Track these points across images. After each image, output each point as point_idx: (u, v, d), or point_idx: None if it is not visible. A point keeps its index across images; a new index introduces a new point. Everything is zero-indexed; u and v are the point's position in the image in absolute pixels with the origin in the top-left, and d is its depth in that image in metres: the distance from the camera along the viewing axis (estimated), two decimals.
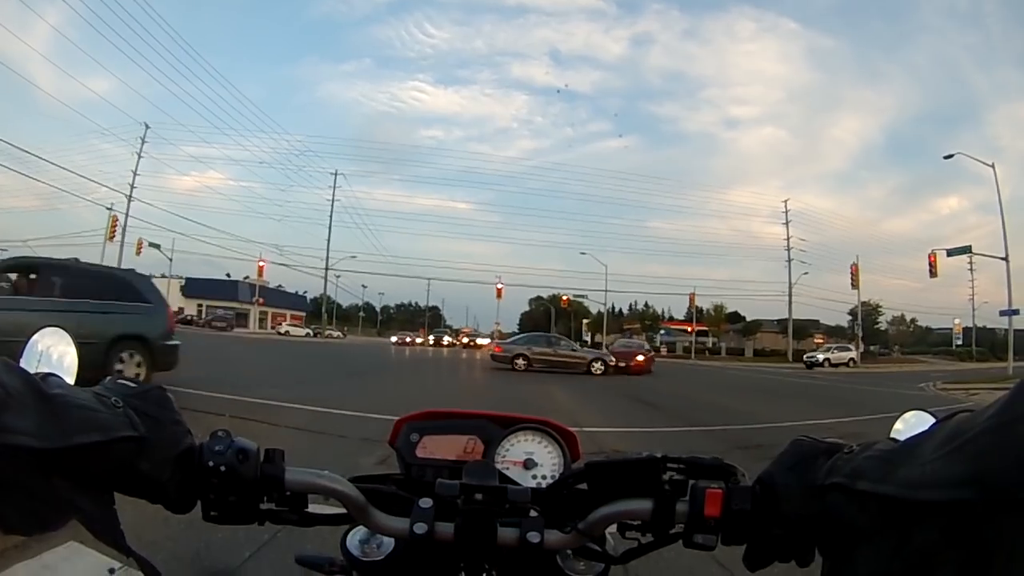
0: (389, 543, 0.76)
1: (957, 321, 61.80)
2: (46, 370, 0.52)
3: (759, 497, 0.56)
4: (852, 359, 42.77)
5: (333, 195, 63.60)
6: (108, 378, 0.57)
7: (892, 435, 0.66)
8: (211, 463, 0.56)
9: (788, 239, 56.73)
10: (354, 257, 67.09)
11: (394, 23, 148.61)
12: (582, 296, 68.08)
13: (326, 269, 62.68)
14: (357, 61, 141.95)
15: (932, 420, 0.65)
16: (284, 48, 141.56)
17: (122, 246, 46.08)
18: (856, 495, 0.46)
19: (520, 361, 20.52)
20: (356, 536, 0.78)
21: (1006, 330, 33.40)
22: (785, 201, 58.44)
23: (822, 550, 0.52)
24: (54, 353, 0.62)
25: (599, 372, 20.46)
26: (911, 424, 0.68)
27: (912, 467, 0.41)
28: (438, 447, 0.88)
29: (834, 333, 63.25)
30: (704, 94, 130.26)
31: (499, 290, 57.84)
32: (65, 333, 0.65)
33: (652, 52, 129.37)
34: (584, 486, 0.65)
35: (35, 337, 0.62)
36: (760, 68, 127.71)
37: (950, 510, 0.38)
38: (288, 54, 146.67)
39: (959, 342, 62.24)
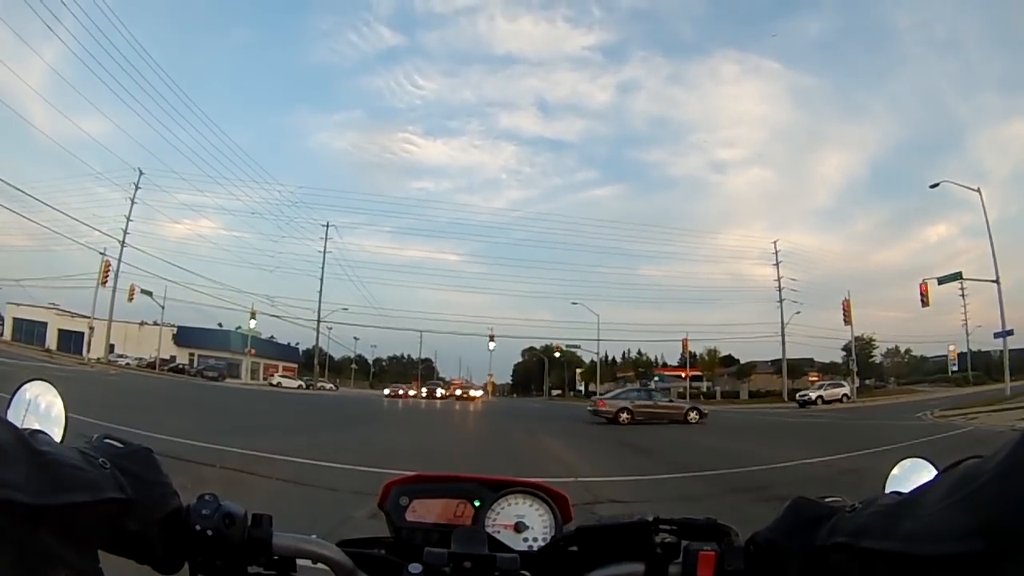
0: None
1: (952, 347, 60.96)
2: (34, 421, 0.52)
3: (753, 557, 0.56)
4: (845, 395, 42.19)
5: (325, 247, 63.51)
6: (96, 436, 0.57)
7: (888, 484, 0.66)
8: (198, 527, 0.56)
9: (779, 279, 56.99)
10: (346, 309, 66.60)
11: (384, 74, 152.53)
12: (575, 346, 67.62)
13: (318, 321, 62.12)
14: (348, 112, 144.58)
15: (928, 465, 0.64)
16: (275, 97, 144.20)
17: (114, 292, 45.89)
18: (860, 553, 0.45)
19: (624, 415, 20.49)
20: None
21: (1001, 351, 33.21)
22: (775, 242, 58.79)
23: None
24: (42, 403, 0.62)
25: (695, 421, 20.79)
26: (907, 470, 0.68)
27: (917, 520, 0.41)
28: (428, 511, 0.87)
29: (828, 370, 62.78)
30: (691, 138, 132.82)
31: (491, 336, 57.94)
32: (51, 385, 0.65)
33: (638, 99, 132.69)
34: (575, 548, 0.65)
35: (22, 388, 0.62)
36: (745, 109, 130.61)
37: (958, 562, 0.37)
38: (279, 103, 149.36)
39: (955, 368, 61.04)
